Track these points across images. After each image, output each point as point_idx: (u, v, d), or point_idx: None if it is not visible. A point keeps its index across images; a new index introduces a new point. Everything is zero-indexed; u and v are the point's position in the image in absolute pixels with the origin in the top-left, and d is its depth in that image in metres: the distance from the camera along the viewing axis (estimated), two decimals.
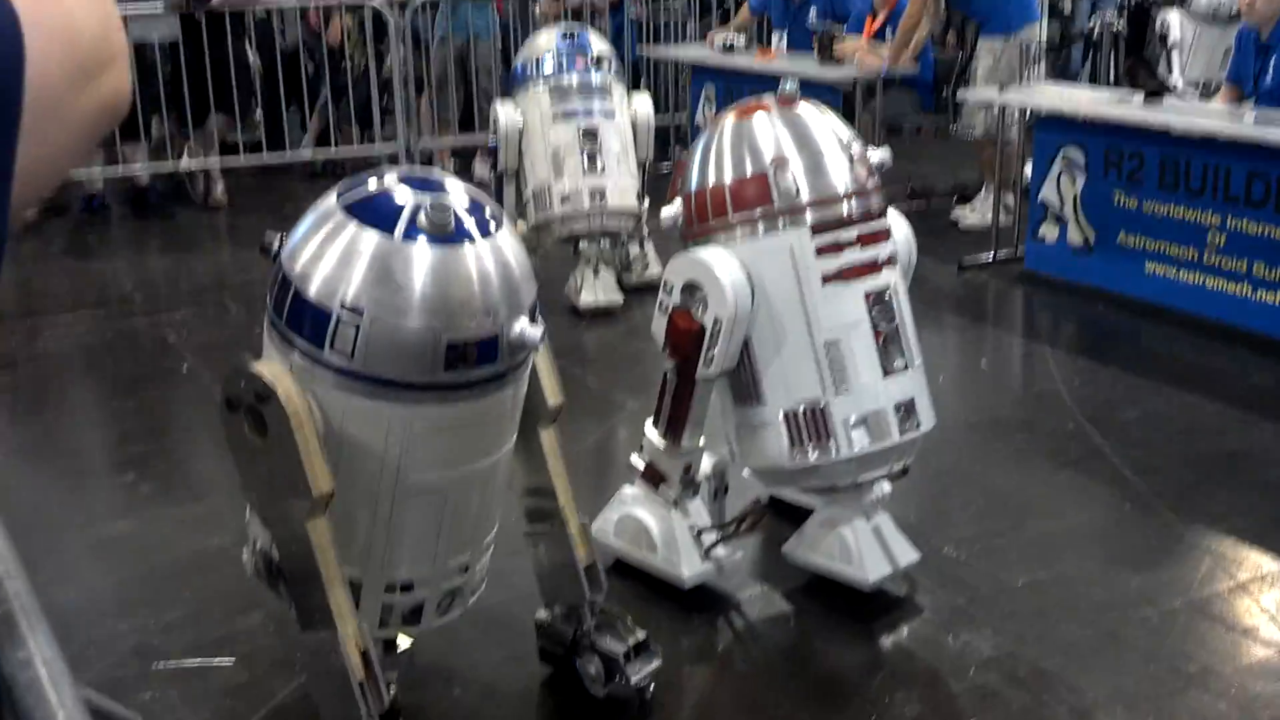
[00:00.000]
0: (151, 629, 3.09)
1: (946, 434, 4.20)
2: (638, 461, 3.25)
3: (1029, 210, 5.97)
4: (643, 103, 5.79)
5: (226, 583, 3.21)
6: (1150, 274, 5.37)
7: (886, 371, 2.96)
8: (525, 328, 2.24)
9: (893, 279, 3.01)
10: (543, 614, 2.81)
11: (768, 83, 7.39)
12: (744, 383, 3.01)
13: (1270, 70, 5.46)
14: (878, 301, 2.96)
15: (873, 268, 2.96)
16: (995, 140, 6.51)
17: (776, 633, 3.15)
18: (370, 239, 2.17)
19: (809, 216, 2.89)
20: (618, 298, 5.54)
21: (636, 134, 5.65)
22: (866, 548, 3.10)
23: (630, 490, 3.29)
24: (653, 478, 3.22)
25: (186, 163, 7.69)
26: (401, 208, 2.20)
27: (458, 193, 2.30)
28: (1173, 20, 8.05)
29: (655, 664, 2.71)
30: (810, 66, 7.20)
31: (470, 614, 3.05)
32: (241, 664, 2.89)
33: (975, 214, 6.90)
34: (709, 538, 3.20)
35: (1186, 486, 3.77)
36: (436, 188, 2.29)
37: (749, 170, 2.91)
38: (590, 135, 5.48)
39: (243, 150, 7.86)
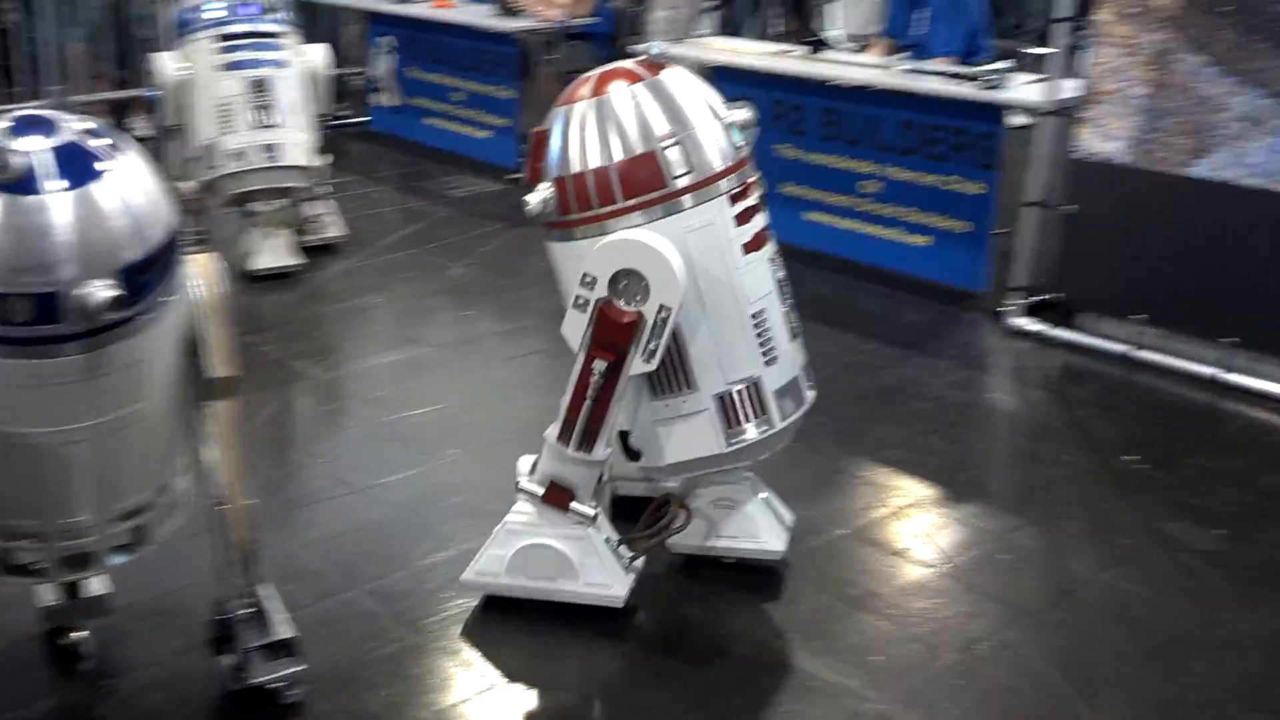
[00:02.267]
0: None
1: None
2: (533, 486, 2.93)
3: None
4: (317, 53, 5.57)
5: None
6: (809, 222, 5.65)
7: (794, 336, 2.93)
8: (94, 290, 2.09)
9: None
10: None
11: (450, 33, 7.39)
12: (669, 371, 2.79)
13: (921, 20, 5.82)
14: (776, 266, 2.90)
15: (767, 232, 2.88)
16: None
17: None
18: None
19: (722, 185, 2.72)
20: (295, 260, 5.37)
21: (312, 86, 5.44)
22: (765, 522, 3.12)
23: (520, 519, 2.97)
24: (559, 499, 2.91)
25: None
26: None
27: (63, 136, 2.15)
28: None
29: (295, 667, 2.61)
30: (488, 17, 7.16)
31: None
32: None
33: None
34: (626, 550, 2.97)
35: (849, 421, 4.01)
36: (40, 130, 2.14)
37: (640, 148, 2.67)
38: (260, 87, 5.24)
39: None
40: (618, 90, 2.72)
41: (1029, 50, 7.05)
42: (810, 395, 2.96)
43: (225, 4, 5.32)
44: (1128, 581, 3.13)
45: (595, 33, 7.33)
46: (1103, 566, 3.20)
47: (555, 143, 2.75)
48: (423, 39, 7.72)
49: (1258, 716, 2.64)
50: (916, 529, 3.41)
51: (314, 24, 8.45)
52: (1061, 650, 2.87)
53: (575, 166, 2.71)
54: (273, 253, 5.32)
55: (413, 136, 7.88)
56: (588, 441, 2.84)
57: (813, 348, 4.52)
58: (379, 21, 8.05)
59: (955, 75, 5.10)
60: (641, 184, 2.68)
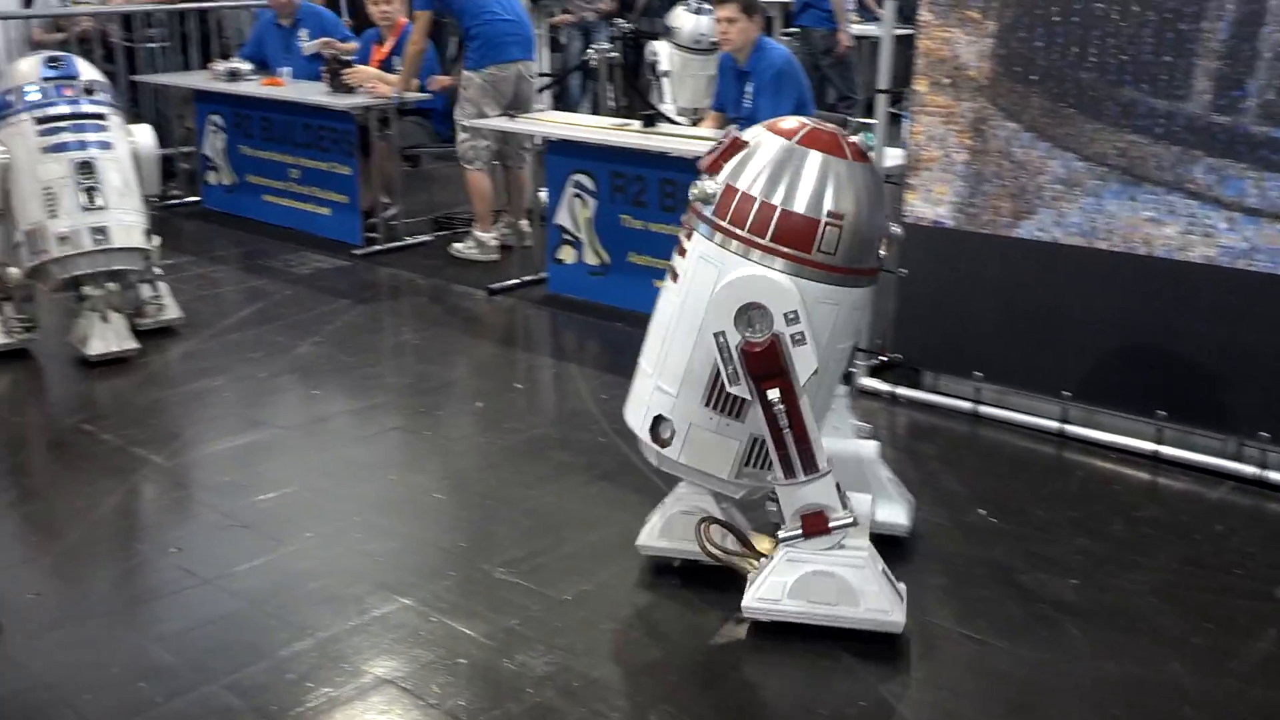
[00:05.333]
0: None
1: (488, 458, 4.30)
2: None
3: (547, 234, 6.19)
4: (143, 134, 5.46)
5: None
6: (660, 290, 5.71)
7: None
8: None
9: None
10: None
11: (284, 111, 7.30)
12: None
13: (747, 95, 5.99)
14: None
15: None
16: (485, 169, 6.76)
17: None
18: None
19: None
20: (131, 344, 5.19)
21: (139, 167, 5.33)
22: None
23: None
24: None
25: None
26: None
27: None
28: (661, 51, 8.66)
29: None
30: (321, 94, 7.10)
31: None
32: None
33: (468, 245, 6.99)
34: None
35: None
36: None
37: (805, 210, 2.93)
38: (86, 169, 5.12)
39: None
40: (814, 155, 2.97)
41: (854, 120, 7.33)
42: None
43: (45, 86, 5.20)
44: (987, 634, 3.21)
45: (430, 109, 7.34)
46: (961, 620, 3.27)
47: (750, 161, 3.00)
48: (254, 117, 7.61)
49: None
50: None
51: (138, 104, 8.30)
52: (930, 706, 2.92)
53: (751, 189, 2.98)
54: (108, 338, 5.14)
55: (250, 215, 7.74)
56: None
57: None
58: (206, 100, 7.91)
59: None
60: (791, 237, 2.94)
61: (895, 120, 5.16)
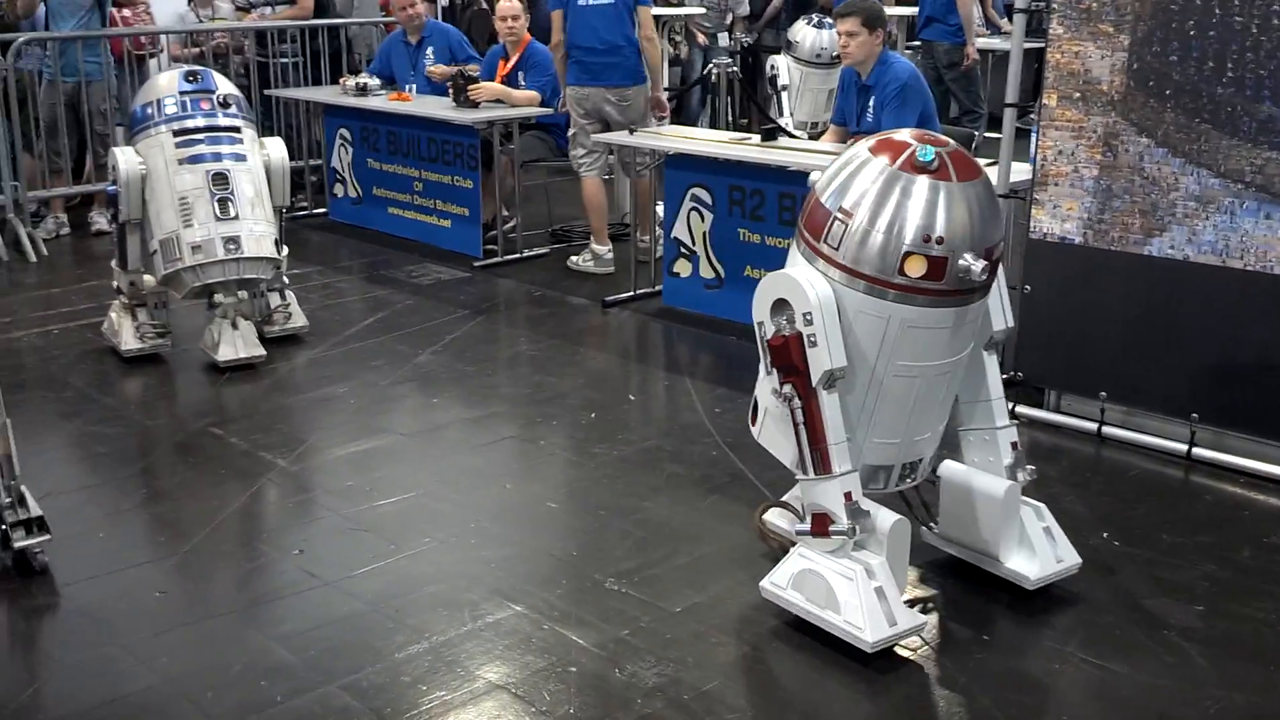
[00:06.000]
0: None
1: (601, 469, 4.33)
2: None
3: (664, 248, 6.20)
4: (275, 146, 5.62)
5: None
6: None
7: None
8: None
9: None
10: None
11: (409, 125, 7.46)
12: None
13: (870, 109, 5.94)
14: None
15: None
16: (598, 179, 6.86)
17: None
18: None
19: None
20: (259, 351, 5.34)
21: (270, 179, 5.48)
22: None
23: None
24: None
25: None
26: None
27: None
28: (781, 64, 8.64)
29: (42, 538, 3.52)
30: (447, 109, 7.23)
31: None
32: None
33: (584, 258, 7.03)
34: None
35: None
36: None
37: (825, 201, 3.04)
38: (220, 180, 5.27)
39: None
40: (866, 156, 3.04)
41: (979, 134, 7.21)
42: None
43: (183, 99, 5.37)
44: (1110, 659, 3.12)
45: (552, 123, 7.42)
46: (1084, 645, 3.19)
47: (840, 177, 3.08)
48: (381, 131, 7.78)
49: None
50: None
51: (270, 117, 8.54)
52: None
53: (817, 186, 3.11)
54: (237, 344, 5.28)
55: (373, 226, 7.91)
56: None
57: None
58: (336, 115, 8.11)
59: None
60: (811, 225, 3.08)
61: (1022, 134, 5.06)
